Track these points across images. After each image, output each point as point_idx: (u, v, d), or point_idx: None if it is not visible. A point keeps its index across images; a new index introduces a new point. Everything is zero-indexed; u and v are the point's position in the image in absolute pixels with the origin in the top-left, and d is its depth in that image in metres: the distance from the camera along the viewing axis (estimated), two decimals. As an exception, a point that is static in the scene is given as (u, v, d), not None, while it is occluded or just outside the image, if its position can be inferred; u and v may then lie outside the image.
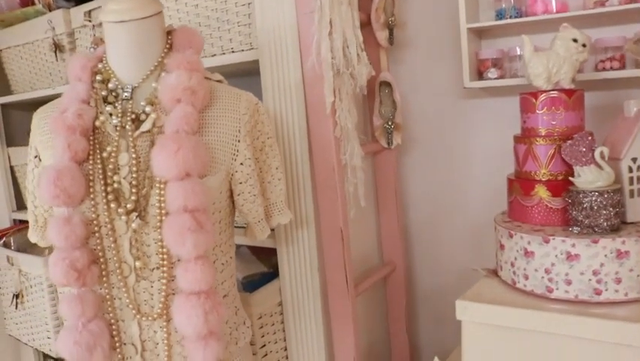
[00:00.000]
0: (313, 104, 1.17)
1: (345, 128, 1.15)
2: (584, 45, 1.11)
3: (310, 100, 1.17)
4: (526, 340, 1.01)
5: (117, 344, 0.96)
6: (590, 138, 1.04)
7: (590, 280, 0.99)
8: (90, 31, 1.74)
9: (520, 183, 1.13)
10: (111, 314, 0.95)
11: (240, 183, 1.01)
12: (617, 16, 1.24)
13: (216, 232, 0.98)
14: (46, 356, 2.13)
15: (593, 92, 1.30)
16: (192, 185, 0.89)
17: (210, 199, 0.94)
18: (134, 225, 0.92)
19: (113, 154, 0.95)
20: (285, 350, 1.35)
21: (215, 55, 1.35)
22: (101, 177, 0.94)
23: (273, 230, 1.15)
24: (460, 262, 1.52)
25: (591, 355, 0.96)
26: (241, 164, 1.00)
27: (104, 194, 0.93)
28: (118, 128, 0.96)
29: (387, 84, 1.37)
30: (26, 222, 2.03)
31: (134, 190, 0.93)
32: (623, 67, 1.23)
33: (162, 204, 0.91)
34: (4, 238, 1.96)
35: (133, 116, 0.96)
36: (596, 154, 1.03)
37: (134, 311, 0.94)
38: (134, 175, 0.93)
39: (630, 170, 1.07)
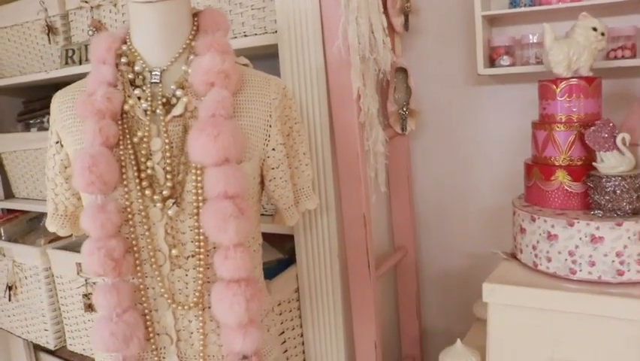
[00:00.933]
0: (337, 90, 1.16)
1: (369, 114, 1.15)
2: (602, 34, 1.14)
3: (333, 85, 1.16)
4: (552, 320, 1.04)
5: (151, 335, 0.94)
6: (611, 124, 1.07)
7: (613, 261, 1.02)
8: (87, 13, 1.68)
9: (540, 168, 1.16)
10: (145, 304, 0.93)
11: (273, 168, 1.00)
12: (628, 6, 1.27)
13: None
14: (36, 347, 2.08)
15: (604, 80, 1.34)
16: (233, 170, 0.87)
17: (248, 185, 0.92)
18: (170, 212, 0.90)
19: (145, 139, 0.92)
20: (302, 336, 1.35)
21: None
22: (133, 162, 0.91)
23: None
24: (469, 247, 1.55)
25: (615, 333, 0.99)
26: (273, 149, 0.99)
27: (137, 180, 0.90)
28: (148, 113, 0.93)
29: (402, 70, 1.37)
30: (16, 211, 1.98)
31: (168, 176, 0.91)
32: (634, 56, 1.27)
33: (199, 191, 0.90)
34: (-7, 228, 1.89)
35: (164, 100, 0.93)
36: (618, 140, 1.06)
37: (169, 301, 0.92)
38: (167, 161, 0.91)
39: (648, 155, 1.10)
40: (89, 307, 1.59)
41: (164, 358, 0.95)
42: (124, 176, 0.90)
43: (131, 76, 0.95)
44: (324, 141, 1.20)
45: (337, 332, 1.28)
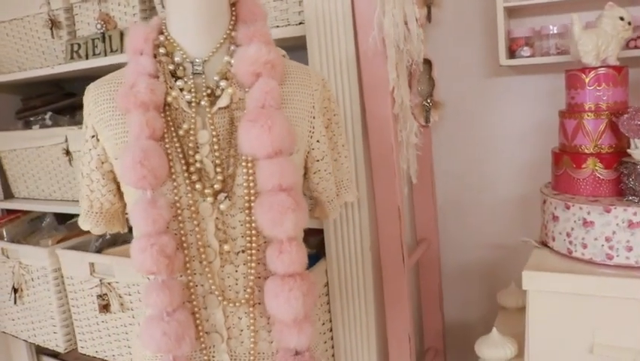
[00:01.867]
0: (370, 82, 1.15)
1: (403, 106, 1.14)
2: (629, 23, 1.16)
3: (366, 77, 1.15)
4: (591, 305, 1.06)
5: (200, 333, 0.91)
6: (644, 111, 1.09)
7: (650, 245, 1.05)
8: (93, 7, 1.63)
9: (571, 156, 1.18)
10: (194, 302, 0.91)
11: (317, 160, 0.99)
12: (647, -4, 1.30)
13: None
14: (39, 351, 2.01)
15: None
16: (286, 163, 0.85)
17: (300, 178, 0.91)
18: (222, 206, 0.87)
19: (191, 132, 0.89)
20: (331, 330, 1.34)
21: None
22: (180, 156, 0.88)
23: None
24: (488, 238, 1.57)
25: (654, 316, 1.02)
26: (317, 141, 0.98)
27: (186, 174, 0.88)
28: (192, 105, 0.90)
29: (426, 62, 1.37)
30: (16, 212, 1.91)
31: (218, 170, 0.88)
32: (654, 45, 1.29)
33: (251, 184, 0.88)
34: (-6, 230, 1.82)
35: (208, 91, 0.91)
36: (651, 127, 1.08)
37: (219, 298, 0.90)
38: (216, 154, 0.89)
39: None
40: (104, 308, 1.55)
41: (213, 357, 0.93)
42: (172, 170, 0.88)
43: (171, 67, 0.92)
44: (356, 133, 1.20)
45: (369, 327, 1.27)
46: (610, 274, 1.05)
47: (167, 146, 0.88)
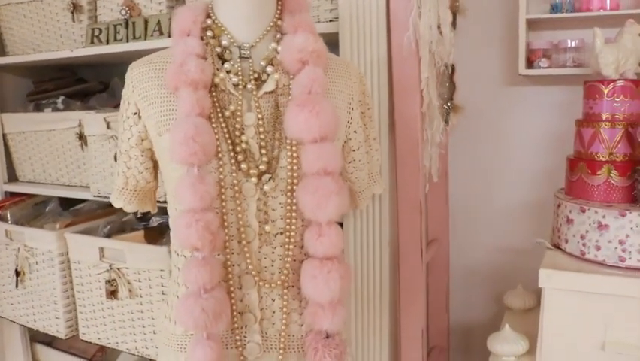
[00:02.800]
0: (401, 80, 1.19)
1: (431, 105, 1.18)
2: (647, 40, 1.22)
3: (398, 76, 1.19)
4: (604, 304, 1.11)
5: (234, 313, 0.92)
6: (660, 123, 1.15)
7: (661, 250, 1.10)
8: (118, -8, 1.63)
9: (587, 163, 1.23)
10: (230, 282, 0.92)
11: (354, 150, 1.02)
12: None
13: None
14: (32, 339, 1.98)
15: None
16: (331, 147, 0.88)
17: (342, 164, 0.94)
18: (266, 187, 0.89)
19: (238, 113, 0.91)
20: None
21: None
22: (226, 136, 0.90)
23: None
24: (496, 241, 1.61)
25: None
26: (355, 131, 1.01)
27: (232, 154, 0.89)
28: (239, 88, 0.93)
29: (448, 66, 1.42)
30: (21, 194, 1.89)
31: (263, 151, 0.91)
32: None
33: (294, 167, 0.90)
34: (-2, 212, 1.79)
35: (255, 75, 0.93)
36: (666, 138, 1.14)
37: (255, 278, 0.91)
38: (261, 136, 0.91)
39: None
40: (112, 294, 1.54)
41: (245, 337, 0.94)
42: (218, 149, 0.89)
43: (218, 50, 0.94)
44: (382, 130, 1.23)
45: (382, 320, 1.30)
46: (625, 275, 1.10)
47: (213, 125, 0.90)
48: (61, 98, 1.81)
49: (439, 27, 1.18)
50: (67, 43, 1.73)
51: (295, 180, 0.90)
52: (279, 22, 0.97)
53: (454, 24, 1.42)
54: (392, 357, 1.33)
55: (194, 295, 0.87)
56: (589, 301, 1.12)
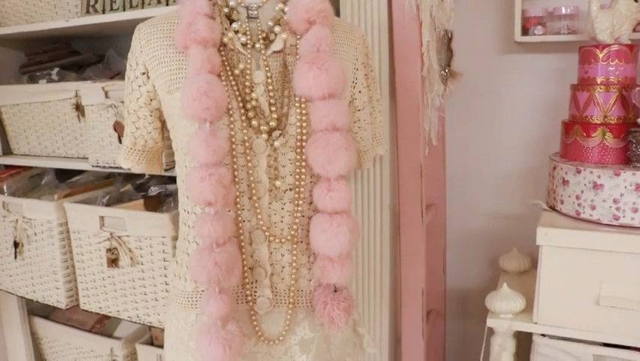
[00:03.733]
0: (402, 45, 1.21)
1: (432, 69, 1.20)
2: (641, 5, 1.25)
3: (398, 40, 1.21)
4: (599, 260, 1.15)
5: (244, 269, 0.94)
6: (653, 86, 1.19)
7: (654, 207, 1.14)
8: (113, -40, 1.61)
9: (583, 126, 1.26)
10: (241, 237, 0.94)
11: (358, 110, 1.04)
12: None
13: None
14: (30, 309, 1.98)
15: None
16: (340, 104, 0.90)
17: (350, 120, 0.95)
18: (276, 143, 0.91)
19: (247, 71, 0.92)
20: (344, 285, 1.39)
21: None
22: (237, 93, 0.91)
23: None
24: (490, 206, 1.65)
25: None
26: (359, 92, 1.03)
27: (242, 111, 0.91)
28: (248, 47, 0.94)
29: (445, 33, 1.43)
30: (16, 167, 1.88)
31: (273, 108, 0.92)
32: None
33: (304, 124, 0.91)
34: (-6, 184, 1.78)
35: (264, 34, 0.94)
36: (659, 100, 1.17)
37: (266, 233, 0.93)
38: (270, 94, 0.92)
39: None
40: (113, 263, 1.55)
41: (255, 292, 0.96)
42: (229, 106, 0.90)
43: (226, 10, 0.95)
44: (383, 93, 1.25)
45: (383, 280, 1.33)
46: (619, 231, 1.14)
47: (223, 83, 0.91)
48: (56, 69, 1.80)
49: (439, -8, 1.20)
50: (61, 13, 1.71)
51: (304, 137, 0.91)
52: (285, -17, 0.97)
53: (451, -10, 1.44)
54: (392, 317, 1.37)
55: (208, 249, 0.88)
56: (584, 258, 1.16)
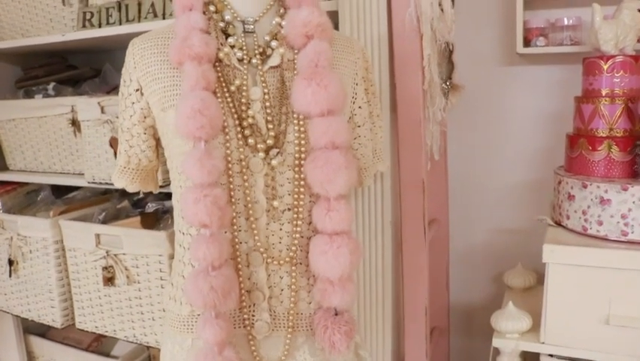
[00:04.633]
0: (402, 58, 1.18)
1: (433, 82, 1.18)
2: (646, 16, 1.23)
3: (399, 53, 1.18)
4: (608, 278, 1.12)
5: (242, 291, 0.91)
6: (660, 97, 1.16)
7: (663, 223, 1.11)
8: (108, -26, 1.60)
9: (588, 139, 1.23)
10: (238, 259, 0.90)
11: (358, 126, 1.01)
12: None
13: None
14: (26, 327, 1.95)
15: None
16: (339, 121, 0.87)
17: (350, 138, 0.93)
18: (274, 162, 0.88)
19: (244, 87, 0.90)
20: (345, 304, 1.35)
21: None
22: (232, 111, 0.89)
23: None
24: (494, 221, 1.62)
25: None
26: (359, 107, 1.00)
27: (238, 129, 0.88)
28: (244, 62, 0.91)
29: (446, 45, 1.41)
30: (11, 183, 1.85)
31: (270, 126, 0.89)
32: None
33: (302, 142, 0.89)
34: (-11, 201, 1.75)
35: (260, 49, 0.92)
36: (667, 112, 1.15)
37: (263, 255, 0.90)
38: (267, 110, 0.90)
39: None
40: (109, 281, 1.52)
41: (253, 315, 0.93)
42: (224, 124, 0.88)
43: (222, 24, 0.93)
44: (384, 107, 1.22)
45: (385, 299, 1.30)
46: (625, 249, 1.11)
47: (219, 100, 0.88)
48: (52, 84, 1.78)
49: (439, 4, 1.17)
50: (57, 27, 1.70)
51: (303, 155, 0.89)
52: (282, -3, 0.95)
53: (452, 2, 1.42)
54: (395, 336, 1.33)
55: (203, 272, 0.85)
56: (592, 276, 1.12)
